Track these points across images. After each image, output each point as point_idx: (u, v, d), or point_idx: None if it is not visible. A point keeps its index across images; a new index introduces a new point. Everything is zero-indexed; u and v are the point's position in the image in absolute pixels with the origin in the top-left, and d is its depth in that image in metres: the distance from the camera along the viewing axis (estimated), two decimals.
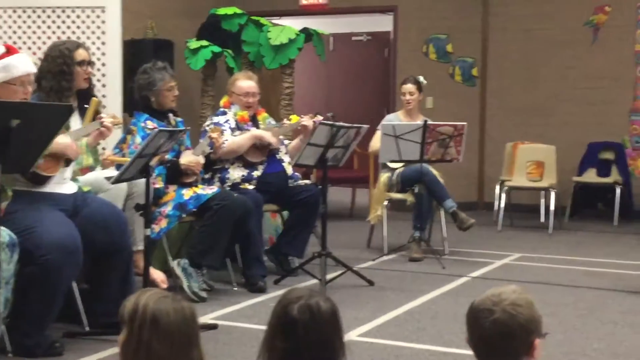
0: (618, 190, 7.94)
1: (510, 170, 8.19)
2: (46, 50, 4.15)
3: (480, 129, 9.08)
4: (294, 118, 5.64)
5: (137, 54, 7.07)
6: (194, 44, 7.51)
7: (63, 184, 3.92)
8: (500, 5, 8.92)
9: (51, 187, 3.84)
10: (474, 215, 6.36)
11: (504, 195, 7.72)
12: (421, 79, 6.51)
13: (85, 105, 4.09)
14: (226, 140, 5.25)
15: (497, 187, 8.11)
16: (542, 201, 7.69)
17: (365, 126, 5.28)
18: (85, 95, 4.11)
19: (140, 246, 4.37)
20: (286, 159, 5.52)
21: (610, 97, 8.52)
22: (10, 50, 3.68)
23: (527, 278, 5.47)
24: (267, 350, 1.96)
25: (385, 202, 6.36)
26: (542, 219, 7.64)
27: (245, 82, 5.47)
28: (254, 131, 5.38)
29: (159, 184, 4.80)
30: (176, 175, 4.88)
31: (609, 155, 8.26)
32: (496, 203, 7.97)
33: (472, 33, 9.02)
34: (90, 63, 4.14)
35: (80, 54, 4.05)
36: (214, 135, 5.05)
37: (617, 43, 8.49)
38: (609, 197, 8.30)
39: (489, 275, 5.59)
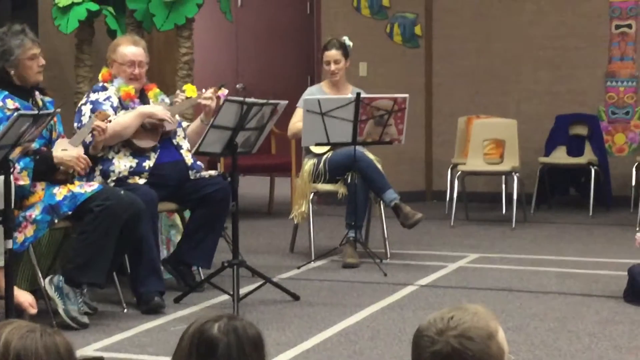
0: (593, 173, 8.13)
1: (464, 151, 8.30)
2: None
3: (426, 101, 9.17)
4: (189, 88, 5.57)
5: None
6: (63, 0, 7.36)
7: None
8: None
9: None
10: (421, 208, 6.42)
11: (457, 182, 7.81)
12: (347, 41, 6.53)
13: None
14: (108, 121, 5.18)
15: (449, 173, 8.22)
16: (503, 188, 7.82)
17: (284, 102, 5.27)
18: None
19: (0, 262, 4.27)
20: (185, 144, 5.47)
21: (581, 59, 8.71)
22: None
23: (487, 284, 5.57)
24: None
25: (312, 195, 6.37)
26: (504, 210, 7.78)
27: (130, 48, 5.40)
28: (141, 107, 5.32)
29: (24, 181, 4.71)
30: (47, 171, 4.79)
31: (581, 130, 8.45)
32: (448, 192, 8.07)
33: None
34: None
35: None
36: (101, 124, 4.94)
37: None
38: (582, 181, 8.50)
39: (440, 282, 5.67)
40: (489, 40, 8.99)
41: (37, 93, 4.98)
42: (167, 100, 5.53)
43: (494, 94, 8.94)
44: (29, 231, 4.71)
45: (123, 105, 5.34)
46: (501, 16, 8.93)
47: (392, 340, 4.35)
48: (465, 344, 1.83)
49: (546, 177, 8.39)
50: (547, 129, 8.52)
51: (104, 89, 5.39)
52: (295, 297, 5.21)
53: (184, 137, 5.51)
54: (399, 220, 6.20)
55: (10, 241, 3.92)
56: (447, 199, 8.06)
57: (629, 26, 8.60)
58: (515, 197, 7.65)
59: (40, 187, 4.80)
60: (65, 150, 4.86)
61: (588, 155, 8.30)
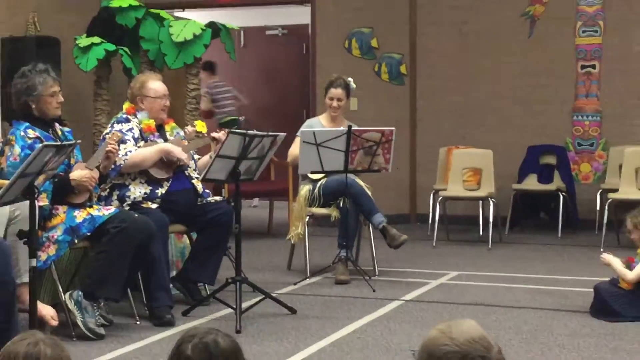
0: (561, 198, 8.15)
1: (445, 178, 8.32)
2: None
3: (411, 133, 9.20)
4: (199, 124, 5.64)
5: (17, 53, 6.93)
6: (84, 41, 7.40)
7: None
8: None
9: None
10: (406, 230, 6.43)
11: (438, 207, 7.84)
12: (351, 83, 6.60)
13: None
14: (129, 151, 5.20)
15: (431, 198, 8.24)
16: (481, 212, 7.84)
17: (282, 134, 5.28)
18: None
19: (25, 278, 4.27)
20: (195, 175, 5.50)
21: (550, 95, 8.76)
22: None
23: (466, 299, 5.57)
24: None
25: (307, 218, 6.38)
26: (481, 232, 7.79)
27: (159, 83, 5.47)
28: (162, 145, 5.33)
29: (44, 202, 4.70)
30: (65, 192, 4.79)
31: (550, 160, 8.48)
32: (430, 215, 8.09)
33: (399, 26, 9.15)
34: None
35: None
36: (112, 143, 4.92)
37: (556, 36, 8.75)
38: (552, 206, 8.53)
39: (424, 297, 5.67)
40: (468, 79, 9.03)
41: (56, 124, 4.98)
42: (181, 134, 5.56)
43: (472, 126, 8.98)
44: (52, 250, 4.70)
45: (143, 137, 5.35)
46: (479, 57, 8.98)
47: (380, 351, 4.34)
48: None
49: (519, 202, 8.41)
50: (520, 159, 8.55)
51: (127, 120, 5.39)
52: (292, 311, 5.21)
53: (195, 169, 5.53)
54: (386, 242, 6.21)
55: (34, 260, 3.91)
56: (430, 221, 8.08)
57: (593, 66, 8.67)
58: (491, 220, 7.67)
59: (62, 210, 4.80)
60: (77, 171, 4.85)
61: (557, 182, 8.33)
